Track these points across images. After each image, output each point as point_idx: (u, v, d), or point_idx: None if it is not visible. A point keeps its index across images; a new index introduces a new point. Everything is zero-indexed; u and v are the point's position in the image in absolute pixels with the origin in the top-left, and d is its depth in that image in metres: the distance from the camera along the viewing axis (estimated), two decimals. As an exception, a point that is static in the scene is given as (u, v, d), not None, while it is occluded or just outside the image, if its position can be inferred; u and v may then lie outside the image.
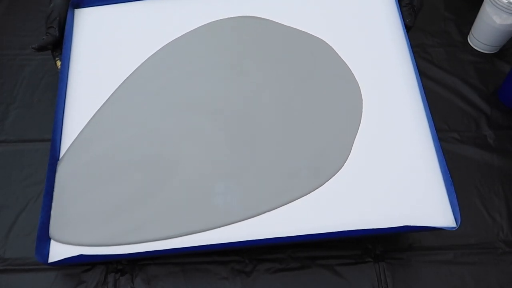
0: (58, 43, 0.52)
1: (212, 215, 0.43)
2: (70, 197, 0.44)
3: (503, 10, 0.56)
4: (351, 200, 0.43)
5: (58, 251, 0.42)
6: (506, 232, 0.48)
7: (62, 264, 0.43)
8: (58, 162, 0.46)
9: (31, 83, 0.60)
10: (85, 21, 0.55)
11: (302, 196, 0.43)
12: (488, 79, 0.60)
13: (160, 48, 0.52)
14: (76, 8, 0.55)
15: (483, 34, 0.61)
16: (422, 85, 0.47)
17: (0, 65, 0.62)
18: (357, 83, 0.49)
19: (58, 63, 0.52)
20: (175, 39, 0.53)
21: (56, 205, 0.44)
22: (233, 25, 0.53)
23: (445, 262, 0.47)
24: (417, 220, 0.41)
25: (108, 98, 0.49)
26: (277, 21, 0.53)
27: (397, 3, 0.53)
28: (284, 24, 0.53)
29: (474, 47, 0.63)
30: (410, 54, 0.49)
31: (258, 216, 0.42)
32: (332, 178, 0.44)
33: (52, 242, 0.43)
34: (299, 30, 0.53)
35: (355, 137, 0.46)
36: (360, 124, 0.46)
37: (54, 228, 0.43)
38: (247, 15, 0.54)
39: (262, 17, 0.54)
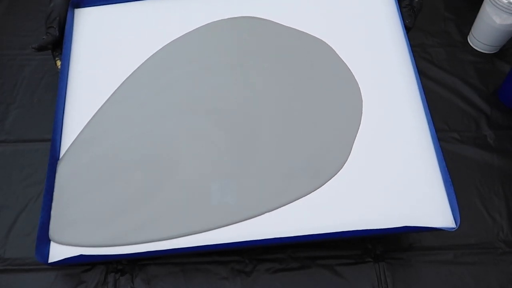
0: (58, 43, 0.52)
1: (212, 215, 0.43)
2: (70, 198, 0.44)
3: (503, 10, 0.56)
4: (351, 201, 0.43)
5: (58, 251, 0.42)
6: (506, 232, 0.48)
7: (62, 264, 0.43)
8: (58, 162, 0.46)
9: (31, 83, 0.60)
10: (85, 21, 0.55)
11: (302, 197, 0.43)
12: (488, 79, 0.60)
13: (160, 48, 0.52)
14: (76, 8, 0.55)
15: (483, 34, 0.61)
16: (422, 85, 0.47)
17: (0, 65, 0.62)
18: (357, 84, 0.49)
19: (58, 63, 0.52)
20: (175, 39, 0.53)
21: (56, 205, 0.44)
22: (233, 26, 0.53)
23: (445, 262, 0.47)
24: (416, 220, 0.41)
25: (108, 98, 0.49)
26: (277, 21, 0.53)
27: (397, 3, 0.53)
28: (284, 24, 0.53)
29: (474, 47, 0.63)
30: (409, 54, 0.49)
31: (258, 216, 0.42)
32: (332, 178, 0.44)
33: (52, 242, 0.43)
34: (299, 30, 0.53)
35: (355, 138, 0.46)
36: (360, 125, 0.46)
37: (54, 229, 0.43)
38: (247, 15, 0.54)
39: (262, 17, 0.54)
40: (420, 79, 0.48)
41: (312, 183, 0.43)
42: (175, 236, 0.42)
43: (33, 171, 0.52)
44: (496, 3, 0.56)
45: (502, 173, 0.52)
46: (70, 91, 0.50)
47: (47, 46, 0.51)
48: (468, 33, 0.64)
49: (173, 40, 0.53)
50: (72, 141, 0.47)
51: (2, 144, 0.54)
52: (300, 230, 0.41)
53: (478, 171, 0.52)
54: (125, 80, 0.50)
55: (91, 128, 0.48)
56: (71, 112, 0.49)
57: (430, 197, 0.43)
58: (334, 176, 0.44)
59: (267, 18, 0.53)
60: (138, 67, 0.51)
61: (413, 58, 0.49)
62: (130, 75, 0.51)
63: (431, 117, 0.45)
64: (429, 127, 0.46)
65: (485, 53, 0.62)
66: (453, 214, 0.42)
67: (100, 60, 0.52)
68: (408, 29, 0.52)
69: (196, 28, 0.53)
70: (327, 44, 0.51)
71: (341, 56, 0.51)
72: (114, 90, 0.50)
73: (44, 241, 0.42)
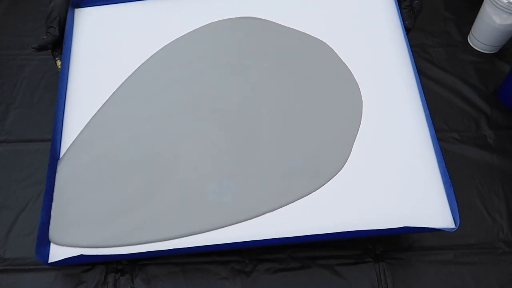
0: (58, 43, 0.52)
1: (213, 216, 0.43)
2: (70, 198, 0.44)
3: (503, 10, 0.56)
4: (351, 201, 0.43)
5: (58, 251, 0.42)
6: (506, 232, 0.48)
7: (62, 264, 0.43)
8: (58, 162, 0.46)
9: (31, 83, 0.60)
10: (85, 21, 0.55)
11: (303, 197, 0.43)
12: (488, 79, 0.60)
13: (161, 49, 0.52)
14: (76, 7, 0.55)
15: (483, 34, 0.61)
16: (422, 85, 0.47)
17: (0, 65, 0.62)
18: (357, 84, 0.49)
19: (58, 62, 0.52)
20: (176, 39, 0.53)
21: (55, 206, 0.44)
22: (233, 26, 0.53)
23: (445, 262, 0.47)
24: (416, 221, 0.41)
25: (109, 98, 0.49)
26: (277, 22, 0.53)
27: (397, 4, 0.53)
28: (284, 25, 0.53)
29: (474, 47, 0.63)
30: (409, 55, 0.49)
31: (259, 217, 0.42)
32: (332, 179, 0.44)
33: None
34: (299, 31, 0.53)
35: (355, 138, 0.46)
36: (360, 125, 0.46)
37: (53, 231, 0.43)
38: (247, 15, 0.54)
39: (262, 18, 0.54)
40: (420, 79, 0.48)
41: (312, 184, 0.43)
42: (175, 237, 0.42)
43: (33, 171, 0.52)
44: (496, 3, 0.56)
45: (502, 173, 0.52)
46: (70, 91, 0.50)
47: (47, 46, 0.51)
48: (468, 33, 0.64)
49: (173, 41, 0.53)
50: (72, 141, 0.47)
51: (2, 144, 0.54)
52: (300, 230, 0.41)
53: (478, 171, 0.52)
54: (125, 80, 0.50)
55: (91, 128, 0.48)
56: (71, 112, 0.49)
57: (429, 198, 0.43)
58: (334, 176, 0.44)
59: (267, 19, 0.53)
60: (138, 67, 0.51)
61: (413, 58, 0.49)
62: (130, 75, 0.51)
63: (431, 118, 0.45)
64: (428, 127, 0.46)
65: (485, 53, 0.62)
66: (452, 214, 0.42)
67: (100, 60, 0.52)
68: (408, 30, 0.52)
69: (196, 29, 0.53)
70: (327, 44, 0.51)
71: (341, 57, 0.51)
72: (114, 90, 0.50)
73: (44, 241, 0.42)
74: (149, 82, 0.50)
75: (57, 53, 0.52)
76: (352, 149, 0.45)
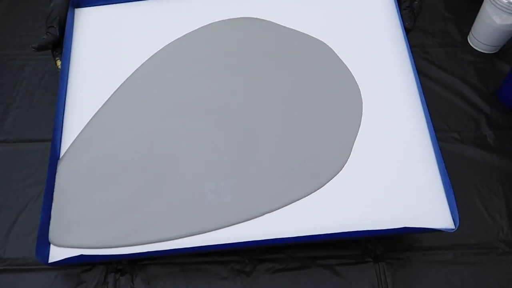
0: (58, 43, 0.52)
1: (213, 216, 0.43)
2: (70, 199, 0.44)
3: (503, 10, 0.56)
4: (350, 202, 0.43)
5: (58, 251, 0.42)
6: (506, 232, 0.48)
7: (62, 264, 0.43)
8: (58, 162, 0.46)
9: (31, 83, 0.60)
10: (85, 21, 0.55)
11: (303, 197, 0.43)
12: (488, 79, 0.60)
13: (161, 49, 0.52)
14: (76, 7, 0.55)
15: (483, 34, 0.61)
16: (422, 85, 0.47)
17: (0, 65, 0.62)
18: (357, 85, 0.49)
19: (58, 62, 0.52)
20: (176, 39, 0.53)
21: (55, 206, 0.44)
22: (233, 26, 0.53)
23: (445, 262, 0.47)
24: (415, 221, 0.41)
25: (109, 99, 0.49)
26: (277, 22, 0.53)
27: (397, 5, 0.53)
28: (284, 25, 0.53)
29: (474, 47, 0.63)
30: (409, 55, 0.49)
31: (259, 217, 0.42)
32: (332, 179, 0.44)
33: (52, 242, 0.43)
34: (299, 31, 0.53)
35: (355, 139, 0.46)
36: (360, 126, 0.46)
37: (53, 232, 0.43)
38: (247, 16, 0.54)
39: (262, 18, 0.54)
40: (420, 79, 0.48)
41: (312, 184, 0.43)
42: (175, 237, 0.42)
43: (33, 171, 0.52)
44: (496, 3, 0.56)
45: (502, 173, 0.52)
46: (70, 91, 0.50)
47: (47, 46, 0.51)
48: (468, 33, 0.64)
49: (173, 41, 0.53)
50: (72, 141, 0.47)
51: (2, 144, 0.54)
52: (301, 230, 0.41)
53: (478, 171, 0.52)
54: (125, 80, 0.50)
55: (91, 128, 0.48)
56: (71, 112, 0.49)
57: (429, 198, 0.43)
58: (334, 177, 0.44)
59: (267, 19, 0.53)
60: (139, 67, 0.51)
61: (412, 59, 0.49)
62: (131, 75, 0.51)
63: (431, 118, 0.45)
64: (428, 128, 0.46)
65: (485, 53, 0.62)
66: (452, 215, 0.42)
67: (100, 60, 0.52)
68: (408, 31, 0.52)
69: (196, 29, 0.53)
70: (327, 45, 0.51)
71: (341, 57, 0.51)
72: (114, 90, 0.50)
73: (44, 241, 0.42)
74: (149, 82, 0.50)
75: (57, 53, 0.52)
76: (352, 150, 0.45)
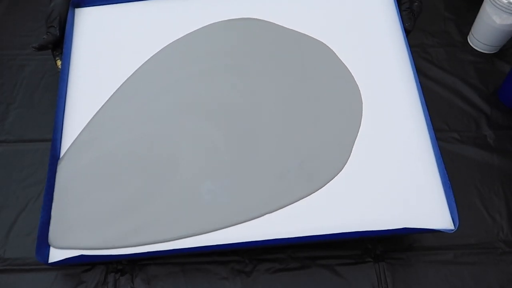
0: (59, 43, 0.52)
1: (213, 217, 0.43)
2: (70, 199, 0.44)
3: (503, 10, 0.56)
4: (350, 202, 0.43)
5: (58, 251, 0.42)
6: (506, 232, 0.48)
7: (62, 264, 0.43)
8: (58, 162, 0.46)
9: (31, 83, 0.60)
10: (86, 20, 0.55)
11: (303, 198, 0.43)
12: (488, 79, 0.60)
13: (161, 49, 0.52)
14: (77, 7, 0.55)
15: (483, 34, 0.61)
16: (422, 85, 0.47)
17: (0, 65, 0.62)
18: (357, 85, 0.49)
19: (59, 62, 0.52)
20: (176, 40, 0.53)
21: (55, 207, 0.44)
22: (233, 27, 0.53)
23: (445, 262, 0.47)
24: (415, 222, 0.41)
25: (109, 99, 0.49)
26: (277, 23, 0.53)
27: (397, 6, 0.53)
28: (284, 26, 0.53)
29: (474, 47, 0.63)
30: (409, 56, 0.49)
31: (259, 218, 0.42)
32: (332, 180, 0.44)
33: (52, 242, 0.43)
34: (299, 32, 0.53)
35: (355, 140, 0.46)
36: (360, 126, 0.46)
37: (53, 234, 0.43)
38: (247, 17, 0.54)
39: (262, 19, 0.54)
40: (420, 79, 0.48)
41: (313, 184, 0.44)
42: (175, 238, 0.42)
43: (33, 171, 0.52)
44: (496, 3, 0.56)
45: (502, 173, 0.52)
46: (70, 91, 0.50)
47: (48, 46, 0.51)
48: (468, 33, 0.64)
49: (174, 41, 0.53)
50: (72, 141, 0.47)
51: (2, 144, 0.54)
52: (301, 231, 0.41)
53: (478, 171, 0.52)
54: (126, 81, 0.50)
55: (91, 128, 0.48)
56: (71, 112, 0.49)
57: (429, 199, 0.43)
58: (334, 177, 0.44)
59: (267, 20, 0.53)
60: (138, 68, 0.51)
61: (412, 60, 0.49)
62: (131, 75, 0.51)
63: (430, 118, 0.45)
64: (428, 128, 0.46)
65: (485, 53, 0.62)
66: (451, 216, 0.42)
67: (101, 60, 0.52)
68: (408, 32, 0.52)
69: (196, 30, 0.53)
70: (327, 45, 0.51)
71: (341, 58, 0.51)
72: (114, 90, 0.50)
73: (44, 241, 0.42)
74: (149, 83, 0.50)
75: (57, 53, 0.52)
76: (352, 150, 0.45)
